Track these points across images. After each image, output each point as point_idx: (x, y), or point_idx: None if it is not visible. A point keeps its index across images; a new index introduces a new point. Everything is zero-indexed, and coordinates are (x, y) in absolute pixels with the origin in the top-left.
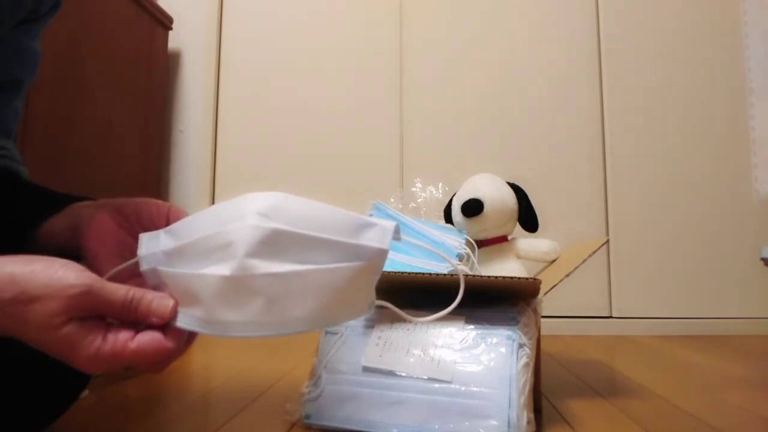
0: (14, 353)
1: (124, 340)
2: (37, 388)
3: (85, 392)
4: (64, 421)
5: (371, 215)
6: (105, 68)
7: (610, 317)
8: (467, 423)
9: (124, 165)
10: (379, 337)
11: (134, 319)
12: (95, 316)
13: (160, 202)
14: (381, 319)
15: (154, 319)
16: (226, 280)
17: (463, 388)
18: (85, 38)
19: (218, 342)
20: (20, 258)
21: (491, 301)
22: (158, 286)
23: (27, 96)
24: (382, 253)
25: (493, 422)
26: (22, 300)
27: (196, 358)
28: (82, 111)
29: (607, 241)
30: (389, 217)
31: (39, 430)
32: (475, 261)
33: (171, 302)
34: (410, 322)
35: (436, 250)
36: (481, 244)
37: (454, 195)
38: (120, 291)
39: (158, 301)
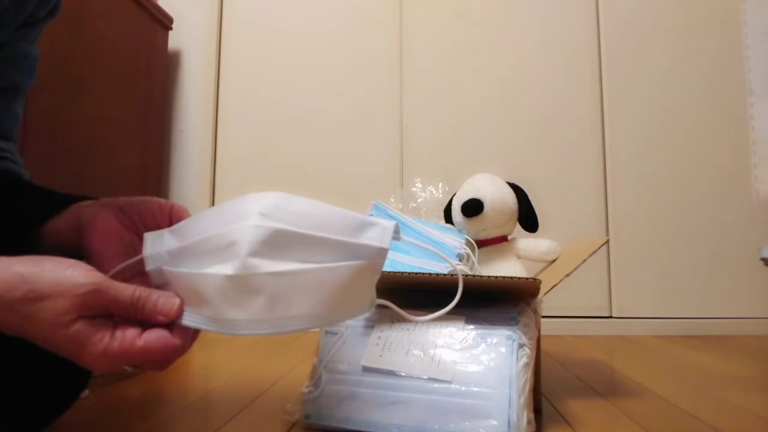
0: (15, 353)
1: (131, 337)
2: (37, 388)
3: (85, 392)
4: (64, 421)
5: (371, 215)
6: (105, 68)
7: (610, 317)
8: (467, 423)
9: (124, 165)
10: (379, 337)
11: (141, 318)
12: (103, 315)
13: (162, 200)
14: (381, 319)
15: (161, 318)
16: (229, 279)
17: (463, 388)
18: (84, 38)
19: (218, 342)
20: (29, 258)
21: (491, 301)
22: (163, 285)
23: (26, 96)
24: (382, 252)
25: (493, 422)
26: (32, 298)
27: (196, 358)
28: (82, 111)
29: (607, 241)
30: (389, 217)
31: (39, 430)
32: (475, 261)
33: (177, 301)
34: (410, 320)
35: (436, 250)
36: (481, 244)
37: (454, 195)
38: (127, 290)
39: (164, 300)
